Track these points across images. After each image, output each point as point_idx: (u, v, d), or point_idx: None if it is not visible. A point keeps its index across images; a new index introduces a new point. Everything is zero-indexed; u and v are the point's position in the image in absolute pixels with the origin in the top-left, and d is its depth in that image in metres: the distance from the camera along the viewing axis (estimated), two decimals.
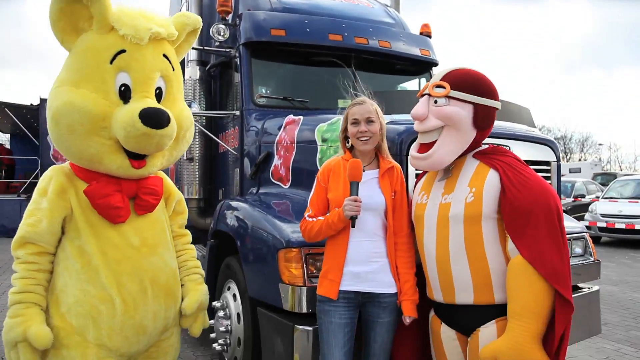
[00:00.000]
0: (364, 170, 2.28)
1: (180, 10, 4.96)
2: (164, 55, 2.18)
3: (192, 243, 2.65)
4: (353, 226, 2.22)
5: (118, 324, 2.09)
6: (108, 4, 2.04)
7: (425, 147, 2.17)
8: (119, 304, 2.09)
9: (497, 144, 2.41)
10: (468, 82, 2.13)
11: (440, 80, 2.13)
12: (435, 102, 2.11)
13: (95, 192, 2.07)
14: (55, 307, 2.10)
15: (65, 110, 2.00)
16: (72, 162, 2.20)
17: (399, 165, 2.42)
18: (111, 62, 2.04)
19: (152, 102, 2.08)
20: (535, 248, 1.91)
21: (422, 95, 2.19)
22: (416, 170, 2.61)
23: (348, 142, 2.41)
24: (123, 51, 2.05)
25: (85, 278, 2.08)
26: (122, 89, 2.07)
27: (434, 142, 2.13)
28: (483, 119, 2.13)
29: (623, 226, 11.69)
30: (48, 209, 2.06)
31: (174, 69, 2.23)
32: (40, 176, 2.16)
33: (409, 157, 2.34)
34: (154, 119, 1.98)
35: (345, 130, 2.41)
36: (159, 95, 2.19)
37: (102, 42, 2.06)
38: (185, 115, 2.27)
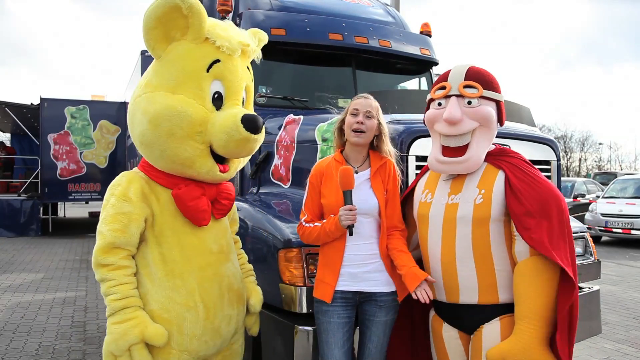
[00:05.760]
0: (356, 172, 2.27)
1: None
2: (247, 67, 2.32)
3: None
4: (350, 234, 2.20)
5: (199, 330, 2.14)
6: (205, 16, 2.13)
7: (454, 151, 2.10)
8: (201, 310, 2.14)
9: (498, 144, 2.40)
10: (489, 80, 2.12)
11: (466, 79, 2.08)
12: (469, 103, 2.07)
13: (186, 195, 2.14)
14: None
15: (166, 113, 2.06)
16: (149, 169, 2.22)
17: (391, 160, 2.39)
18: (207, 70, 2.13)
19: (244, 110, 2.19)
20: (551, 242, 1.89)
21: (448, 97, 2.10)
22: (416, 170, 2.60)
23: (343, 136, 2.38)
24: (218, 61, 2.15)
25: (169, 285, 2.11)
26: (216, 96, 2.17)
27: (466, 144, 2.08)
28: (501, 115, 2.15)
29: (622, 227, 11.69)
30: (135, 213, 2.06)
31: (252, 80, 2.37)
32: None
33: (431, 160, 2.19)
34: (254, 124, 2.11)
35: (342, 121, 2.38)
36: None
37: (198, 51, 2.13)
38: None
